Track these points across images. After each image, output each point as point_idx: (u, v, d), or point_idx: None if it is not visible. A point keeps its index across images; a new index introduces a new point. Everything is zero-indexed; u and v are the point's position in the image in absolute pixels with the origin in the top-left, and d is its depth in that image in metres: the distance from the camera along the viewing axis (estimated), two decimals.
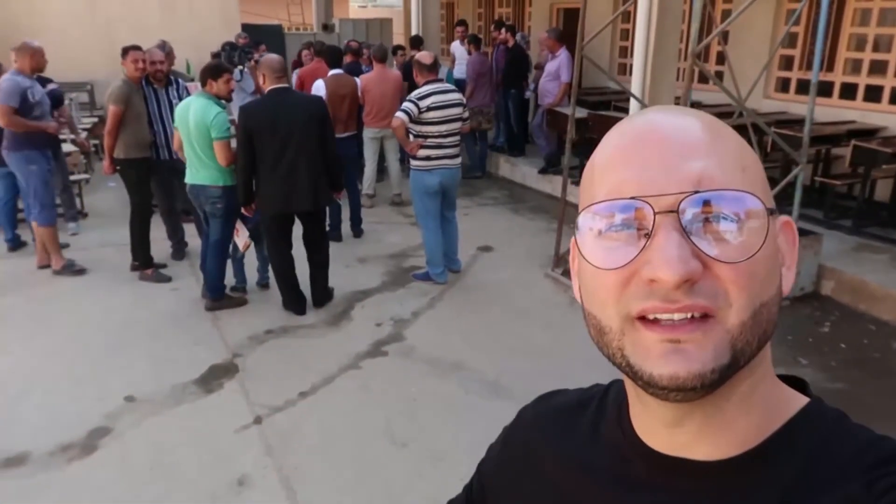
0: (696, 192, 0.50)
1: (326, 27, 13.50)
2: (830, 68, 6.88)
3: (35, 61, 5.01)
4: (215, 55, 8.00)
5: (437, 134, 4.78)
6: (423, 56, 4.98)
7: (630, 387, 0.60)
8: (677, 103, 5.11)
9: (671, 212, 0.50)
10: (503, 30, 8.46)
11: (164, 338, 4.33)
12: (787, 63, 7.47)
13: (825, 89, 6.83)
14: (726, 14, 7.73)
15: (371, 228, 6.43)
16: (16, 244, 5.88)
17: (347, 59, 7.33)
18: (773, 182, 4.83)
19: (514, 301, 4.83)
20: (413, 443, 3.27)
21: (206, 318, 4.59)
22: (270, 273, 4.86)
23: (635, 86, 5.72)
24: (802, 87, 6.96)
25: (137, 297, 4.96)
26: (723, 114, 6.77)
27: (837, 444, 0.54)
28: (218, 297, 4.70)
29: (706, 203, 0.50)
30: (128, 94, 4.96)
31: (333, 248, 5.25)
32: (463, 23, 9.56)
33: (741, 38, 7.47)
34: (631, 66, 5.90)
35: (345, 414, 3.52)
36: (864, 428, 0.56)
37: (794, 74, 7.35)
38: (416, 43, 8.08)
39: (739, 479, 0.55)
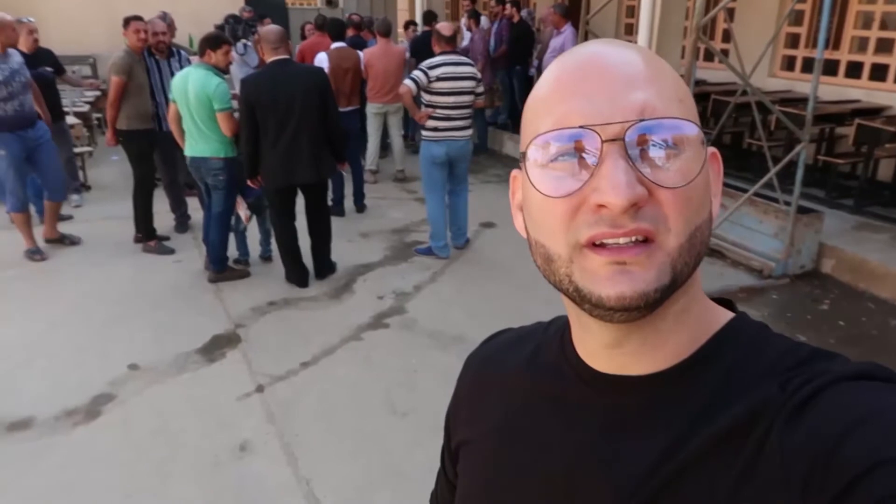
0: (641, 120, 0.52)
1: (330, 2, 13.39)
2: (836, 46, 6.82)
3: (5, 36, 4.69)
4: (219, 27, 7.95)
5: (445, 105, 4.78)
6: (443, 27, 4.96)
7: (573, 313, 0.62)
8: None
9: (617, 140, 0.52)
10: (508, 4, 8.38)
11: (166, 308, 4.36)
12: (793, 41, 7.41)
13: (831, 68, 6.78)
14: None
15: (374, 204, 6.43)
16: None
17: (350, 32, 7.29)
18: (776, 161, 4.83)
19: (515, 276, 4.85)
20: (413, 413, 3.30)
21: (209, 290, 4.62)
22: (273, 246, 4.87)
23: None
24: (808, 66, 6.91)
25: (141, 268, 4.99)
26: (727, 91, 6.74)
27: (758, 351, 0.58)
28: (221, 269, 4.73)
29: (649, 131, 0.52)
30: (130, 64, 4.95)
31: (336, 222, 5.26)
32: None
33: (747, 15, 7.40)
34: (636, 42, 5.86)
35: (346, 384, 3.56)
36: (783, 337, 0.60)
37: (800, 52, 7.30)
38: (429, 18, 8.00)
39: (669, 389, 0.58)
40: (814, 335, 4.11)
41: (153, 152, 5.26)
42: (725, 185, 5.39)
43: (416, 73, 4.75)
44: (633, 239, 0.52)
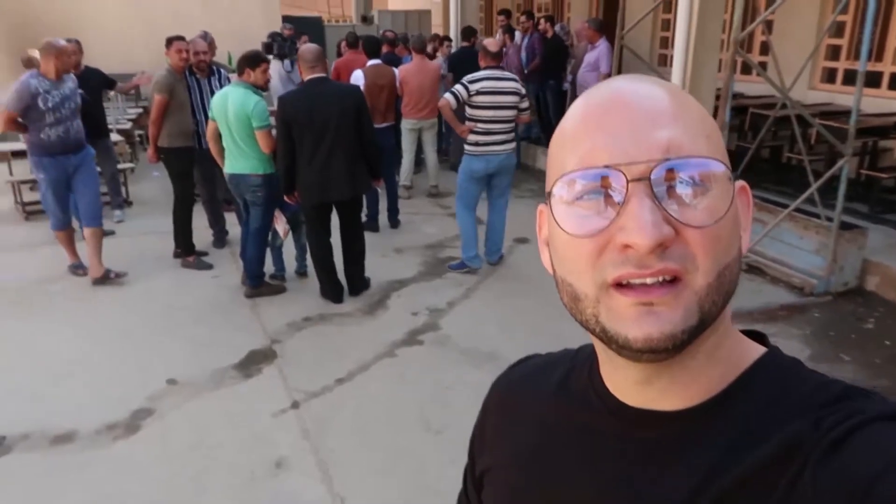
0: (667, 159, 0.52)
1: (365, 19, 13.57)
2: (879, 58, 6.67)
3: (61, 62, 4.60)
4: (266, 45, 8.07)
5: (485, 119, 4.78)
6: (490, 42, 4.96)
7: (601, 349, 0.62)
8: (718, 95, 5.02)
9: (643, 179, 0.51)
10: (542, 19, 8.39)
11: (204, 323, 4.43)
12: (833, 53, 7.27)
13: (873, 80, 6.63)
14: (770, 3, 7.55)
15: (408, 219, 6.47)
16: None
17: (384, 49, 7.37)
18: (816, 175, 4.73)
19: (549, 292, 4.76)
20: (447, 430, 3.29)
21: (246, 305, 4.68)
22: (308, 261, 4.93)
23: (676, 76, 5.62)
24: (849, 78, 6.77)
25: (179, 283, 5.09)
26: (766, 105, 6.63)
27: (790, 387, 0.57)
28: (257, 284, 4.79)
29: (675, 170, 0.52)
30: (171, 83, 5.07)
31: (371, 237, 5.30)
32: (505, 12, 9.50)
33: (786, 27, 7.28)
34: (672, 56, 5.81)
35: (380, 400, 3.57)
36: (816, 373, 0.59)
37: (841, 64, 7.15)
38: (469, 34, 8.04)
39: (700, 424, 0.58)
40: (859, 355, 3.99)
41: (193, 169, 5.37)
42: (764, 199, 5.30)
43: (457, 87, 4.78)
44: (661, 279, 0.52)
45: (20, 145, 7.22)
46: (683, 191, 0.52)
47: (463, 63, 6.06)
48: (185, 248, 5.39)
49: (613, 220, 0.52)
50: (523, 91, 4.93)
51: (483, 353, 3.99)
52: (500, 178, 5.03)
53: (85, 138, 4.99)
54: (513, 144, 5.00)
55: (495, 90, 4.74)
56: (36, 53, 5.73)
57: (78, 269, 5.17)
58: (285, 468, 3.03)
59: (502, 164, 4.94)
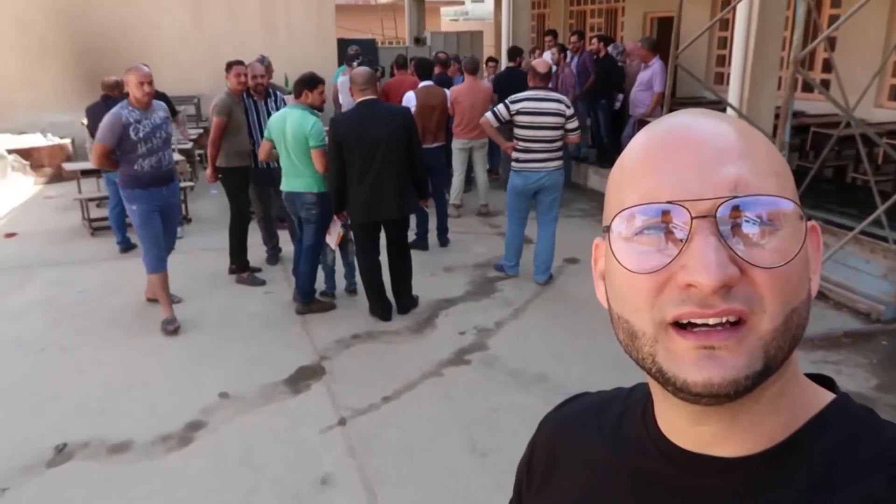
0: (734, 196, 0.50)
1: (418, 40, 13.76)
2: None
3: (143, 91, 4.36)
4: (361, 63, 8.19)
5: (525, 138, 4.95)
6: (539, 64, 5.10)
7: (656, 389, 0.59)
8: (777, 113, 4.88)
9: (708, 216, 0.49)
10: (595, 39, 8.36)
11: (256, 339, 4.52)
12: None
13: None
14: (833, 19, 7.33)
15: (457, 238, 6.47)
16: (126, 246, 6.30)
17: (436, 70, 7.45)
18: (883, 196, 4.53)
19: (600, 314, 4.69)
20: (493, 453, 3.25)
21: (297, 322, 4.75)
22: (358, 279, 4.98)
23: (733, 95, 5.51)
24: None
25: (233, 299, 5.20)
26: (829, 124, 6.42)
27: (863, 439, 0.54)
28: (308, 301, 4.87)
29: (742, 208, 0.50)
30: (230, 105, 5.24)
31: (420, 256, 5.33)
32: (552, 33, 9.51)
33: (850, 44, 7.05)
34: (728, 75, 5.69)
35: (426, 420, 3.55)
36: (891, 424, 0.55)
37: None
38: (514, 54, 8.07)
39: (763, 474, 0.54)
40: None
41: (248, 188, 5.51)
42: (827, 221, 5.11)
43: (499, 107, 5.00)
44: (724, 320, 0.49)
45: (89, 164, 7.58)
46: (751, 230, 0.50)
47: (509, 83, 6.07)
48: (239, 264, 5.53)
49: (675, 257, 0.50)
50: (569, 112, 4.97)
51: (531, 375, 3.94)
52: (545, 195, 5.14)
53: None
54: (557, 163, 5.05)
55: (536, 111, 4.87)
56: (118, 78, 6.01)
57: (169, 324, 4.63)
58: (331, 485, 3.04)
59: (543, 182, 5.04)
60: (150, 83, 4.42)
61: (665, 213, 0.51)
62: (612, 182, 0.58)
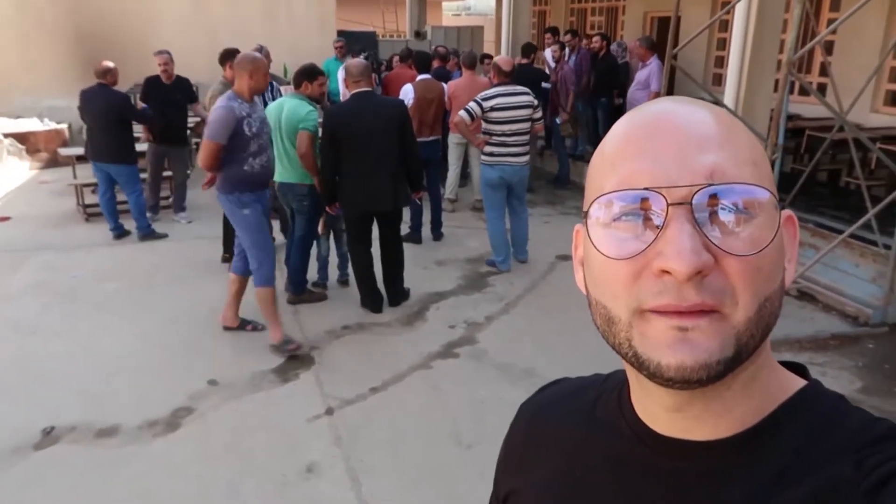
0: (710, 184, 0.50)
1: (419, 34, 13.74)
2: None
3: (255, 82, 3.90)
4: (366, 57, 8.17)
5: (500, 133, 5.10)
6: (503, 61, 5.31)
7: (632, 374, 0.60)
8: (771, 116, 4.90)
9: (684, 203, 0.50)
10: (594, 37, 8.36)
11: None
12: None
13: None
14: (832, 23, 7.34)
15: (451, 232, 6.49)
16: (120, 232, 6.31)
17: (435, 64, 7.45)
18: (875, 201, 4.56)
19: (588, 310, 4.75)
20: (478, 445, 3.28)
21: (288, 311, 4.77)
22: (350, 270, 4.99)
23: (728, 96, 5.53)
24: None
25: (225, 288, 5.20)
26: (824, 127, 6.43)
27: (832, 424, 0.55)
28: (300, 291, 4.88)
29: (718, 196, 0.50)
30: None
31: (413, 249, 5.34)
32: (552, 30, 9.51)
33: (848, 48, 7.07)
34: (726, 76, 5.70)
35: (413, 411, 3.58)
36: (860, 410, 0.56)
37: None
38: (528, 50, 8.06)
39: (734, 457, 0.55)
40: None
41: None
42: (819, 224, 5.13)
43: (471, 105, 5.10)
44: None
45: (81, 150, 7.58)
46: (726, 218, 0.50)
47: (522, 80, 5.99)
48: (232, 253, 5.52)
49: (651, 244, 0.51)
50: (536, 102, 5.24)
51: (519, 370, 3.96)
52: (519, 187, 5.32)
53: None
54: (527, 157, 5.30)
55: (509, 105, 5.06)
56: (111, 64, 6.01)
57: (290, 343, 4.14)
58: (316, 474, 3.07)
59: (517, 174, 5.24)
60: (265, 73, 3.99)
61: (644, 199, 0.52)
62: (593, 167, 0.59)
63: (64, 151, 7.56)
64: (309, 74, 4.58)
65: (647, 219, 0.51)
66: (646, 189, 0.51)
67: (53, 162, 9.07)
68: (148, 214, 6.50)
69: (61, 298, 4.98)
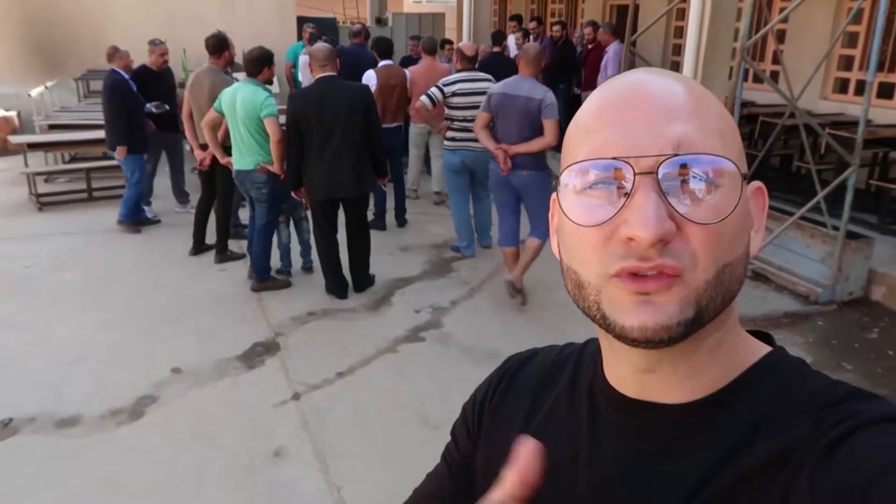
0: (676, 154, 0.52)
1: (380, 21, 13.64)
2: (893, 69, 6.65)
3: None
4: (357, 32, 7.87)
5: (462, 118, 5.10)
6: (466, 47, 5.33)
7: (603, 337, 0.63)
8: (726, 103, 5.02)
9: (650, 173, 0.52)
10: (558, 25, 8.43)
11: (210, 315, 4.49)
12: (846, 63, 7.25)
13: (887, 91, 6.61)
14: (783, 12, 7.53)
15: (415, 219, 6.50)
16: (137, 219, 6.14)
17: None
18: (825, 184, 4.73)
19: (555, 296, 4.83)
20: (445, 425, 3.27)
21: (252, 299, 4.74)
22: (314, 257, 4.98)
23: None
24: (862, 88, 6.74)
25: (188, 275, 5.15)
26: (778, 114, 6.62)
27: (794, 387, 0.57)
28: (263, 278, 4.85)
29: (684, 166, 0.52)
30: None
31: (378, 236, 5.34)
32: (516, 18, 9.56)
33: (798, 37, 7.28)
34: (683, 63, 5.81)
35: (380, 395, 3.60)
36: (822, 374, 0.59)
37: (854, 75, 7.13)
38: (498, 39, 8.03)
39: (701, 420, 0.58)
40: (861, 364, 3.98)
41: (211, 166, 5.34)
42: (772, 208, 5.29)
43: (433, 90, 5.10)
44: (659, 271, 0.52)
45: (36, 137, 7.36)
46: (692, 187, 0.52)
47: (493, 68, 5.90)
48: (203, 248, 5.49)
49: (618, 211, 0.52)
50: None
51: (484, 352, 4.02)
52: (479, 173, 5.27)
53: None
54: None
55: (470, 91, 5.08)
56: (118, 47, 5.78)
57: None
58: (284, 457, 3.08)
59: (478, 160, 5.14)
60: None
61: (616, 169, 0.53)
62: (568, 137, 0.60)
63: (14, 139, 7.32)
64: (269, 60, 4.53)
65: (619, 187, 0.53)
66: (614, 158, 0.53)
67: (3, 150, 8.77)
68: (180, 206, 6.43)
69: (15, 289, 4.86)
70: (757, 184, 0.59)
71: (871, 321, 4.52)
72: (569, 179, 0.56)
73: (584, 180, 0.55)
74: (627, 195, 0.52)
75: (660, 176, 0.52)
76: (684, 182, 0.52)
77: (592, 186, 0.54)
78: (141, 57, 6.29)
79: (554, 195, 0.61)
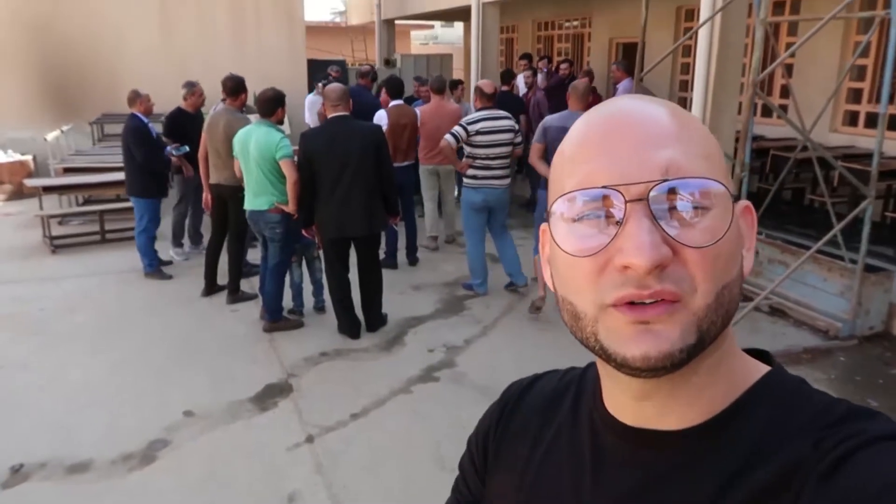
0: (665, 179, 0.52)
1: (388, 62, 13.86)
2: None
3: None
4: (364, 73, 7.97)
5: (484, 156, 5.12)
6: (486, 84, 5.35)
7: (601, 367, 0.62)
8: (738, 137, 5.03)
9: (641, 200, 0.52)
10: (561, 64, 8.53)
11: (223, 356, 4.45)
12: (855, 96, 7.28)
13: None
14: (790, 47, 7.60)
15: (426, 257, 6.49)
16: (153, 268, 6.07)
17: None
18: (840, 217, 4.69)
19: (568, 331, 4.77)
20: None
21: (264, 339, 4.71)
22: (326, 297, 4.95)
23: None
24: (871, 121, 6.75)
25: (200, 317, 5.13)
26: (787, 147, 6.63)
27: (794, 407, 0.57)
28: (276, 319, 4.82)
29: (673, 190, 0.52)
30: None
31: (389, 274, 5.32)
32: (526, 56, 9.66)
33: (807, 71, 7.32)
34: (691, 99, 5.85)
35: (395, 436, 3.54)
36: (822, 393, 0.58)
37: (863, 108, 7.15)
38: (508, 77, 8.15)
39: (701, 445, 0.57)
40: (885, 401, 3.89)
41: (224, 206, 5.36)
42: (787, 241, 5.25)
43: (457, 129, 5.12)
44: (658, 298, 0.52)
45: (51, 181, 7.45)
46: (682, 211, 0.52)
47: (502, 107, 5.86)
48: (215, 289, 5.48)
49: (612, 240, 0.52)
50: (517, 127, 5.33)
51: (499, 390, 3.88)
52: (499, 211, 5.33)
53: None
54: (508, 179, 5.36)
55: (492, 129, 5.10)
56: (139, 91, 5.84)
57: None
58: (298, 501, 3.01)
59: (500, 197, 5.26)
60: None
61: (605, 197, 0.53)
62: (554, 168, 0.60)
63: (30, 182, 7.41)
64: (281, 101, 4.60)
65: (608, 216, 0.53)
66: (604, 187, 0.53)
67: (18, 194, 8.89)
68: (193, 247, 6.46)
69: (29, 331, 4.84)
70: (744, 203, 0.59)
71: (893, 356, 4.43)
72: (559, 209, 0.56)
73: (575, 210, 0.54)
74: (619, 223, 0.52)
75: (651, 202, 0.52)
76: (674, 207, 0.52)
77: (584, 217, 0.54)
78: (154, 98, 6.37)
79: (544, 226, 0.61)
